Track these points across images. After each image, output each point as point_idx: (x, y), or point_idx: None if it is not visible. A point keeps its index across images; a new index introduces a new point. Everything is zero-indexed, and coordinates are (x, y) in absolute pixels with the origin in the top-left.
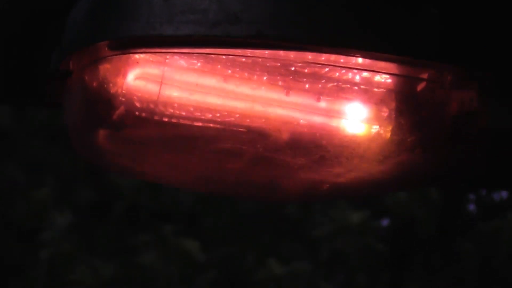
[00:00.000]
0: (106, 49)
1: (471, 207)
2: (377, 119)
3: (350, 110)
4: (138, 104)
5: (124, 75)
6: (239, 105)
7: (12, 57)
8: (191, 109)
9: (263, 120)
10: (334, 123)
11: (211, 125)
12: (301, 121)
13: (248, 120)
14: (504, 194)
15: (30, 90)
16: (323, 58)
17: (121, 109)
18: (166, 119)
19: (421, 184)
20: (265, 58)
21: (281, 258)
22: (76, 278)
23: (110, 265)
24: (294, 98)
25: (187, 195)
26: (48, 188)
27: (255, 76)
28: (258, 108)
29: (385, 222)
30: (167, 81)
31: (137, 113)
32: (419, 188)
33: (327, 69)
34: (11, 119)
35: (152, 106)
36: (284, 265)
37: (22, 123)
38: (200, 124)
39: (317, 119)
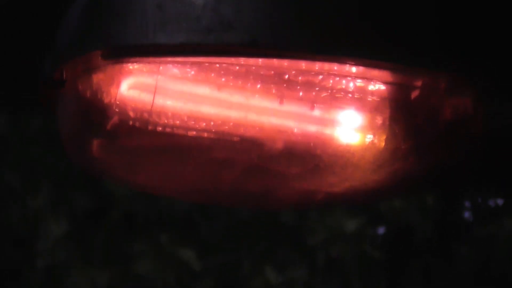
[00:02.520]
0: (99, 58)
1: (467, 214)
2: (371, 127)
3: (344, 118)
4: (132, 114)
5: (118, 85)
6: (233, 114)
7: (6, 64)
8: (185, 118)
9: (257, 129)
10: (328, 132)
11: (205, 134)
12: (295, 130)
13: (242, 129)
14: (499, 200)
15: (25, 96)
16: (316, 67)
17: (115, 118)
18: (160, 129)
19: (415, 191)
20: (259, 66)
21: (277, 265)
22: (72, 286)
23: (106, 273)
24: (288, 106)
25: (182, 203)
26: (44, 194)
27: (249, 85)
28: (252, 117)
29: (381, 229)
30: (161, 91)
31: (131, 122)
32: (413, 195)
33: (320, 77)
34: (7, 125)
35: (146, 115)
36: (280, 273)
37: (18, 128)
38: (194, 133)
39: (311, 128)
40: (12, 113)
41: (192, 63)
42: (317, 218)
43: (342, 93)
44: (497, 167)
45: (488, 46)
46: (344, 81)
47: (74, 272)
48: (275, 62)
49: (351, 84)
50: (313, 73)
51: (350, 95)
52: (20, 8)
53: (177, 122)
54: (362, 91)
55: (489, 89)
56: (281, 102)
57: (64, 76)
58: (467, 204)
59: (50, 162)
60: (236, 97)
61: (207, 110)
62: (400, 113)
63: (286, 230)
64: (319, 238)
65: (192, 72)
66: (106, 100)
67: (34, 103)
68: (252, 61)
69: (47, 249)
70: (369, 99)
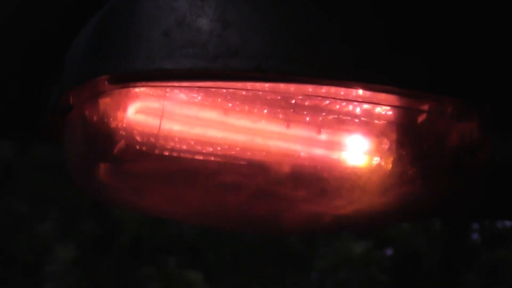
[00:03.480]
0: (106, 83)
1: (475, 236)
2: (378, 151)
3: (351, 142)
4: (138, 138)
5: (125, 109)
6: (240, 138)
7: (11, 92)
8: (192, 142)
9: (264, 153)
10: (335, 155)
11: (212, 158)
12: (302, 153)
13: (249, 153)
14: (507, 222)
15: (30, 125)
16: (323, 91)
17: (122, 143)
18: (167, 153)
19: (422, 216)
20: (266, 91)
21: None
22: None
23: None
24: (295, 131)
25: (190, 227)
26: (51, 221)
27: (256, 109)
28: (259, 141)
29: (388, 252)
30: (168, 115)
31: (137, 147)
32: (420, 219)
33: (327, 101)
34: (14, 153)
35: (152, 140)
36: None
37: (25, 156)
38: (201, 157)
39: (318, 152)
40: (19, 141)
41: (199, 88)
42: (324, 241)
43: (349, 116)
44: (503, 192)
45: (495, 72)
46: (350, 105)
47: None
48: (281, 86)
49: (358, 108)
50: (319, 97)
51: (356, 119)
52: (22, 34)
53: (184, 146)
54: (369, 114)
55: (495, 114)
56: (288, 126)
57: (71, 101)
58: (475, 226)
59: (57, 189)
60: (243, 122)
61: (214, 134)
62: (407, 137)
63: (294, 254)
64: (326, 261)
65: (199, 97)
66: (112, 125)
67: (40, 130)
68: (258, 86)
69: (55, 275)
70: (376, 122)
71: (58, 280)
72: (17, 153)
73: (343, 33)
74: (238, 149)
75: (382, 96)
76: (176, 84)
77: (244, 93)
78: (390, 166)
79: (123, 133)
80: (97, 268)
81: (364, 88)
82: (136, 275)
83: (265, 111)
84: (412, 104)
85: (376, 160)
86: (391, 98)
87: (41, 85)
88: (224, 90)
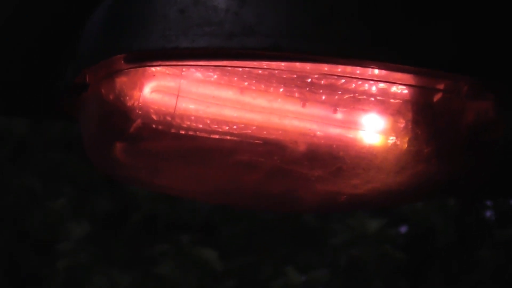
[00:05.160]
0: (122, 62)
1: (488, 213)
2: (393, 130)
3: (367, 121)
4: (155, 117)
5: (141, 88)
6: (256, 117)
7: (26, 71)
8: (208, 121)
9: (280, 132)
10: (351, 134)
11: (228, 137)
12: (318, 132)
13: (265, 132)
14: None
15: (45, 103)
16: (339, 70)
17: (138, 122)
18: (183, 132)
19: (437, 194)
20: (282, 70)
21: (299, 266)
22: None
23: (128, 275)
24: (311, 109)
25: (204, 204)
26: (65, 198)
27: (272, 88)
28: (274, 120)
29: (403, 229)
30: (184, 94)
31: (154, 126)
32: (435, 198)
33: (343, 80)
34: (28, 129)
35: (169, 118)
36: (302, 274)
37: (39, 133)
38: (217, 136)
39: (334, 131)
40: (33, 118)
41: (215, 67)
42: (339, 219)
43: (364, 95)
44: None
45: (509, 52)
46: (366, 84)
47: (96, 273)
48: (297, 65)
49: (374, 87)
50: (335, 76)
51: (372, 97)
52: (38, 13)
53: (200, 125)
54: (385, 93)
55: (510, 93)
56: (303, 105)
57: (87, 80)
58: (489, 203)
59: (71, 166)
60: (259, 101)
61: (230, 113)
62: (423, 116)
63: (308, 231)
64: (341, 238)
65: (215, 76)
66: (129, 104)
67: (54, 112)
68: (274, 64)
69: (69, 251)
70: (392, 101)
71: (71, 257)
72: (30, 129)
73: (360, 12)
74: (254, 128)
75: (397, 75)
76: (192, 63)
77: (260, 71)
78: (405, 145)
79: (139, 112)
80: (110, 245)
81: (380, 67)
82: (150, 252)
83: (281, 89)
84: (427, 83)
85: (391, 139)
86: (407, 77)
87: (56, 63)
88: (240, 69)
